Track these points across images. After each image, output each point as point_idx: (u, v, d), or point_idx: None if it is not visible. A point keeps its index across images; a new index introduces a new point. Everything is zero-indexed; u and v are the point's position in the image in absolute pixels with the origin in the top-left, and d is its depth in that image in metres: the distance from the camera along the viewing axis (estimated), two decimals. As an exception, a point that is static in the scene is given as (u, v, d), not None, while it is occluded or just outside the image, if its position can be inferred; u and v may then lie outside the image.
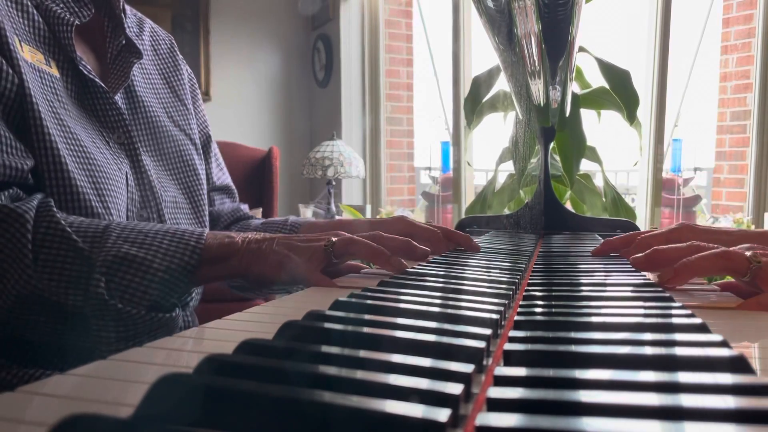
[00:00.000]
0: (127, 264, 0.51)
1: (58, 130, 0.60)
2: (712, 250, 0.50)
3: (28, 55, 0.60)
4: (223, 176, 0.93)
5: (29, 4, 0.63)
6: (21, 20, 0.62)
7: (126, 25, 0.73)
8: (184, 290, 0.55)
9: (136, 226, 0.56)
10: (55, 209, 0.54)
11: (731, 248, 0.51)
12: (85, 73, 0.66)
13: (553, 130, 1.06)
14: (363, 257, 0.59)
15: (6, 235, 0.51)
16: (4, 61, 0.57)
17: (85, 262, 0.51)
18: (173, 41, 0.87)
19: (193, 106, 0.85)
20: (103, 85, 0.67)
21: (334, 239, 0.58)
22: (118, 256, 0.51)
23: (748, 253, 0.48)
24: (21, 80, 0.58)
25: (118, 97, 0.71)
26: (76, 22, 0.66)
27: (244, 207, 0.94)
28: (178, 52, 0.87)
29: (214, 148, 0.92)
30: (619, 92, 1.46)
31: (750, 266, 0.47)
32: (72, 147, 0.61)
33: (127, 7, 0.76)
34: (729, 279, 0.54)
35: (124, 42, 0.73)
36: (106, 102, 0.68)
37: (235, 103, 3.55)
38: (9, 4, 0.61)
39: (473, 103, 1.66)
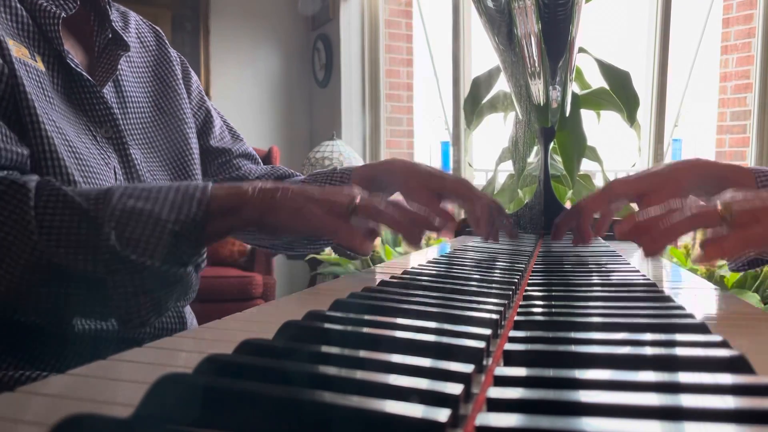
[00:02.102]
0: (135, 217, 0.50)
1: (47, 123, 0.60)
2: (686, 214, 0.51)
3: (13, 49, 0.60)
4: (241, 145, 0.90)
5: None
6: (4, 15, 0.61)
7: (111, 19, 0.73)
8: (195, 244, 0.54)
9: (139, 185, 0.55)
10: (56, 182, 0.53)
11: (703, 206, 0.52)
12: (73, 66, 0.65)
13: (553, 131, 1.06)
14: (387, 226, 0.58)
15: (9, 207, 0.50)
16: None
17: (91, 222, 0.50)
18: (159, 32, 0.86)
19: (185, 87, 0.84)
20: (90, 78, 0.67)
21: (357, 201, 0.56)
22: (126, 210, 0.50)
23: (719, 207, 0.49)
24: (12, 70, 0.58)
25: (107, 91, 0.71)
26: (63, 14, 0.65)
27: None
28: (166, 41, 0.86)
29: (226, 121, 0.91)
30: (618, 93, 1.46)
31: (722, 218, 0.49)
32: (60, 140, 0.61)
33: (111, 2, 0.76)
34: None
35: (110, 35, 0.73)
36: (93, 96, 0.67)
37: (235, 103, 3.54)
38: None
39: (473, 104, 1.66)
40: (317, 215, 0.55)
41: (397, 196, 0.71)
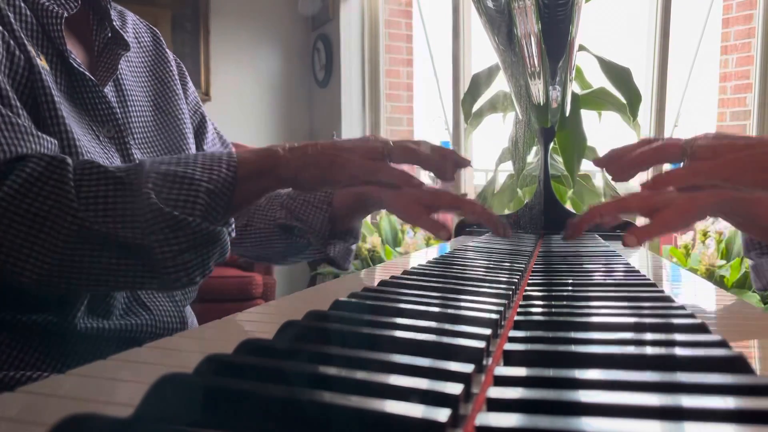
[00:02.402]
0: (171, 178, 0.52)
1: (66, 119, 0.60)
2: (652, 145, 0.54)
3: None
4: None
5: None
6: (9, 14, 0.62)
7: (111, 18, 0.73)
8: (228, 206, 0.55)
9: (164, 157, 0.56)
10: (90, 160, 0.54)
11: (669, 139, 0.54)
12: (75, 66, 0.65)
13: (553, 130, 1.06)
14: (419, 165, 0.59)
15: (50, 182, 0.51)
16: (17, 48, 0.58)
17: (128, 188, 0.51)
18: (156, 32, 0.86)
19: (182, 90, 0.85)
20: (92, 78, 0.67)
21: (391, 143, 0.57)
22: (160, 173, 0.52)
23: (683, 141, 0.52)
24: (31, 66, 0.58)
25: (108, 91, 0.71)
26: (65, 14, 0.66)
27: None
28: (163, 42, 0.86)
29: (216, 128, 0.92)
30: (620, 89, 1.46)
31: (684, 151, 0.51)
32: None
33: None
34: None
35: (110, 34, 0.73)
36: (95, 95, 0.67)
37: (235, 103, 3.54)
38: None
39: (472, 101, 1.66)
40: (355, 162, 0.55)
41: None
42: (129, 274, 0.53)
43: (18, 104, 0.56)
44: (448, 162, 0.59)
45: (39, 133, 0.55)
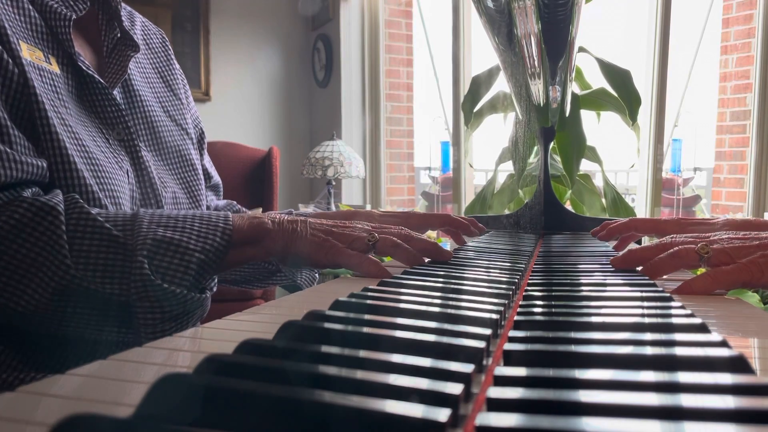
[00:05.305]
0: (165, 246, 0.52)
1: (62, 129, 0.60)
2: (668, 251, 0.55)
3: (27, 53, 0.60)
4: (216, 174, 0.93)
5: None
6: (17, 17, 0.61)
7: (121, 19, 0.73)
8: (215, 271, 0.56)
9: (163, 212, 0.57)
10: (81, 201, 0.54)
11: (684, 245, 0.55)
12: (84, 68, 0.65)
13: (553, 130, 1.06)
14: (401, 261, 0.61)
15: (40, 228, 0.51)
16: (10, 62, 0.57)
17: (121, 249, 0.51)
18: (164, 35, 0.86)
19: (185, 101, 0.85)
20: (101, 80, 0.67)
21: (376, 235, 0.60)
22: (156, 239, 0.52)
23: (697, 246, 0.53)
24: (26, 79, 0.57)
25: (116, 92, 0.70)
26: (73, 16, 0.65)
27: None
28: (170, 47, 0.86)
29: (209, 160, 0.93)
30: (620, 92, 1.45)
31: (701, 258, 0.52)
32: (75, 146, 0.61)
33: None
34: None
35: (119, 35, 0.72)
36: (105, 98, 0.67)
37: (235, 103, 3.54)
38: (5, 0, 0.61)
39: (472, 102, 1.66)
40: (340, 249, 0.58)
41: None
42: (106, 326, 0.54)
43: (9, 123, 0.55)
44: (423, 260, 0.62)
45: (25, 159, 0.55)
